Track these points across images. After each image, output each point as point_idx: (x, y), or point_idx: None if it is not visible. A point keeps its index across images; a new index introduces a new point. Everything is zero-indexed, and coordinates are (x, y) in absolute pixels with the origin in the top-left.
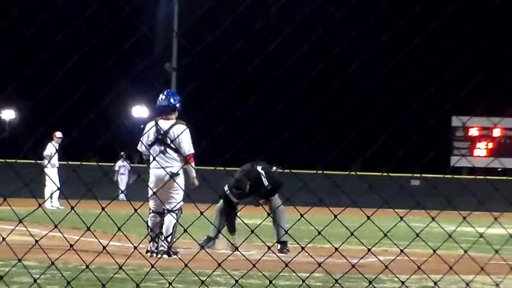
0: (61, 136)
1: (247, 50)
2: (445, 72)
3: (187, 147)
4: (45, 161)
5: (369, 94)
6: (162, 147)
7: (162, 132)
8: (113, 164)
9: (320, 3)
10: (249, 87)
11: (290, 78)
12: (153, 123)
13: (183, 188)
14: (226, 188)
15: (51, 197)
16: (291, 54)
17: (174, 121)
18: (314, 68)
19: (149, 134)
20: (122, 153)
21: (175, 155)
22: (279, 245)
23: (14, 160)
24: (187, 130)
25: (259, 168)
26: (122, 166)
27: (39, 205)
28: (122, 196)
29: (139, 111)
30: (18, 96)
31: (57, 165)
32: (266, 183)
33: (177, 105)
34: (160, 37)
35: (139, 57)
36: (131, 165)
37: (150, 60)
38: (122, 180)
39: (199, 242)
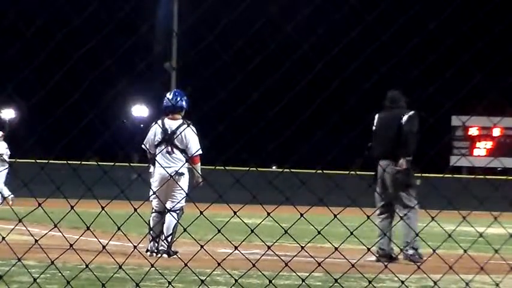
0: (2, 134)
1: (247, 49)
2: (445, 72)
3: (195, 147)
4: None
5: (369, 94)
6: (169, 147)
7: (169, 132)
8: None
9: (319, 3)
10: (249, 86)
11: (289, 78)
12: (159, 122)
13: (187, 189)
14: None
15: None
16: (291, 53)
17: (180, 121)
18: (313, 68)
19: (156, 133)
20: None
21: (181, 155)
22: (410, 251)
23: (14, 160)
24: (195, 130)
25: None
26: None
27: (39, 204)
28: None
29: (139, 110)
30: (18, 96)
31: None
32: None
33: (185, 105)
34: (160, 37)
35: (140, 57)
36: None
37: (150, 60)
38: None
39: (411, 256)
